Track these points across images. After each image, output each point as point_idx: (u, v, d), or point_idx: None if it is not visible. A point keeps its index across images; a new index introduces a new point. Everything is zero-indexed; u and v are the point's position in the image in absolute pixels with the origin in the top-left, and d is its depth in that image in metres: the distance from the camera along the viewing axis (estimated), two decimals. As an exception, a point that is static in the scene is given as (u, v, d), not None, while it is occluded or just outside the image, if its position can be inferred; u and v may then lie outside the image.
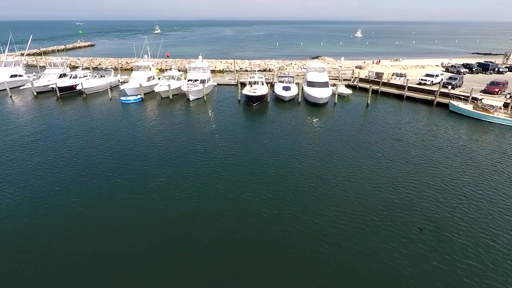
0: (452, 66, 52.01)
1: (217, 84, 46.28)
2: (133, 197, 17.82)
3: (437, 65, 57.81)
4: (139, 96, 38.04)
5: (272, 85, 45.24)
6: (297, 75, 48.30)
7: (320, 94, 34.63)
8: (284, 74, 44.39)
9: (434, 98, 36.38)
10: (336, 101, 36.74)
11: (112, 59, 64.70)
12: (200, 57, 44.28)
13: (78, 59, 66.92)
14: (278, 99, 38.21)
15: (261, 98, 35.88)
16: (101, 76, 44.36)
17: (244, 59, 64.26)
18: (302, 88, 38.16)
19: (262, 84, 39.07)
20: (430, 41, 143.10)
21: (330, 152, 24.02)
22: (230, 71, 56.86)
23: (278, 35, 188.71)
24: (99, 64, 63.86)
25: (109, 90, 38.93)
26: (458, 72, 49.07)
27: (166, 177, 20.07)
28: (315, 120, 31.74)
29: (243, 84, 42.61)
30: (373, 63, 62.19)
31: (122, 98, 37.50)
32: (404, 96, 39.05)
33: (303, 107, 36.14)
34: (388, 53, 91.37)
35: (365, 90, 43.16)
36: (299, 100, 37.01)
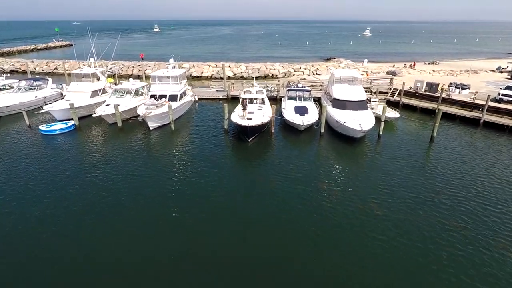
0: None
1: (199, 99, 32.67)
2: None
3: (493, 70, 44.09)
4: (70, 124, 24.38)
5: (276, 100, 31.68)
6: (312, 86, 34.62)
7: (360, 122, 20.95)
8: (296, 85, 30.70)
9: (537, 127, 22.70)
10: (381, 132, 22.99)
11: (72, 61, 51.06)
12: (171, 60, 30.46)
13: (32, 61, 53.34)
14: (288, 127, 24.54)
15: (260, 129, 22.27)
16: (31, 88, 30.71)
17: (240, 62, 50.61)
18: (324, 109, 24.49)
19: (262, 102, 25.40)
20: (449, 40, 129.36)
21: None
22: (221, 78, 43.20)
23: (280, 33, 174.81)
24: (56, 68, 50.27)
25: (24, 113, 25.01)
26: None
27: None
28: (353, 170, 18.11)
29: (235, 99, 29.31)
30: (405, 66, 48.43)
31: (41, 127, 23.81)
32: (481, 121, 25.35)
33: (329, 142, 22.48)
34: (411, 54, 77.71)
35: (412, 108, 29.75)
36: (322, 129, 23.23)
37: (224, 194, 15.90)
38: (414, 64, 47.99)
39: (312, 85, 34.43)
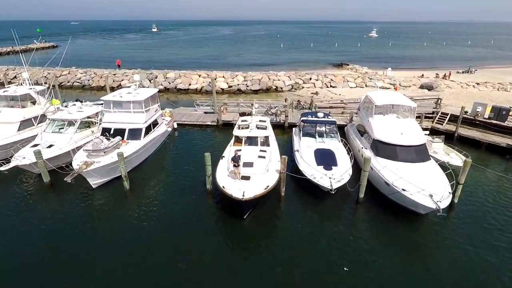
0: None
1: (179, 125, 24.29)
2: None
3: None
4: (-28, 176, 15.98)
5: (284, 128, 23.41)
6: (331, 107, 26.15)
7: (431, 191, 12.51)
8: (312, 109, 22.12)
9: None
10: (456, 200, 14.49)
11: (36, 69, 42.57)
12: (136, 76, 21.81)
13: (-11, 69, 44.92)
14: (306, 184, 15.77)
15: (261, 199, 13.73)
16: None
17: (237, 70, 42.20)
18: (368, 164, 15.94)
19: (265, 142, 16.72)
20: (463, 42, 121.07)
21: None
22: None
23: (281, 34, 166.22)
24: (15, 77, 41.81)
25: None
26: None
27: None
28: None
29: (228, 126, 21.24)
30: (437, 76, 39.98)
31: None
32: None
33: (373, 215, 14.01)
34: (431, 58, 69.54)
35: (471, 143, 21.36)
36: (362, 194, 14.70)
37: None
38: (450, 74, 39.50)
39: (331, 107, 25.99)
